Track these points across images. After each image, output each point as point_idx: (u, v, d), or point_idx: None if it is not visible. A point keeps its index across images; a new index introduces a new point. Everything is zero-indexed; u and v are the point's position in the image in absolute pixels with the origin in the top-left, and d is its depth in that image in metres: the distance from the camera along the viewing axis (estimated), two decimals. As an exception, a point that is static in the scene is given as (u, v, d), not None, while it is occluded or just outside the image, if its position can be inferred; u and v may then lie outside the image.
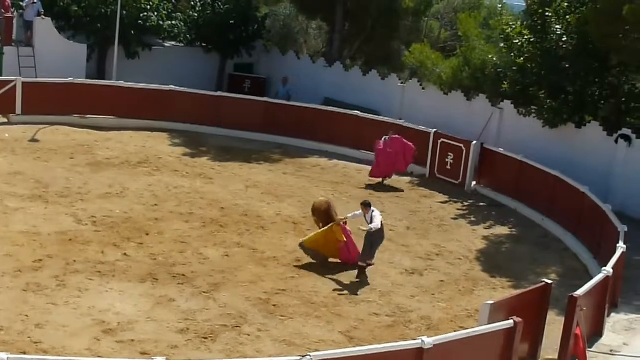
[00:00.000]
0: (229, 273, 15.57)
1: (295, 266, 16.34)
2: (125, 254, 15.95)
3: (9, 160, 21.41)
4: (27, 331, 12.41)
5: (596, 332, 14.12)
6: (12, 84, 25.25)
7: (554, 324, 13.62)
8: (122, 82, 27.05)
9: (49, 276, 14.47)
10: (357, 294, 15.29)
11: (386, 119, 26.09)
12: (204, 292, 14.60)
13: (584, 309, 12.69)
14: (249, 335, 13.17)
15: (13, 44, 27.49)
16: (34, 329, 12.51)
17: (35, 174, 20.43)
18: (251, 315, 13.86)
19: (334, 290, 15.40)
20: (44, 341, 12.16)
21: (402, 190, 22.90)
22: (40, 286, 14.01)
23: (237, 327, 13.40)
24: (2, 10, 27.52)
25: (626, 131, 21.79)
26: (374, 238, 16.08)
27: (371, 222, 15.94)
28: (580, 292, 12.70)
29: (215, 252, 16.61)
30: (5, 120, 25.28)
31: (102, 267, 15.16)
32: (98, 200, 19.05)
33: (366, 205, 16.27)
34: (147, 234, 17.20)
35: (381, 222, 16.13)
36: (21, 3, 28.52)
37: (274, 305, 14.38)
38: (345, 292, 15.39)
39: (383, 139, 23.42)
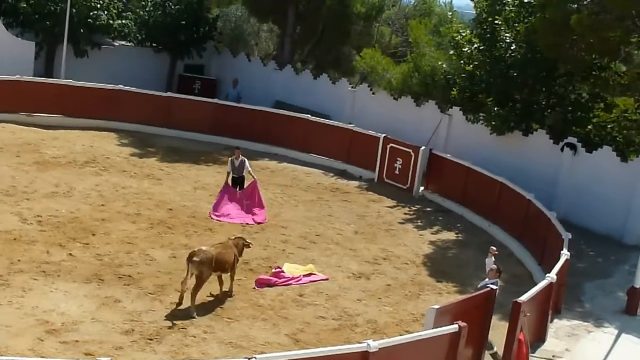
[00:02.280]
0: (175, 274, 15.47)
1: (242, 269, 16.29)
2: (70, 254, 15.79)
3: (-47, 158, 21.08)
4: (-31, 331, 12.24)
5: (539, 338, 14.33)
6: (-42, 80, 24.89)
7: (498, 328, 13.76)
8: (70, 80, 26.76)
9: (-8, 275, 14.28)
10: (303, 298, 15.30)
11: (336, 123, 26.17)
12: (150, 294, 14.52)
13: (528, 314, 12.87)
14: (194, 337, 13.11)
15: (-41, 40, 27.10)
16: (-24, 328, 12.34)
17: (-21, 172, 20.14)
18: (197, 317, 13.81)
19: (281, 293, 15.39)
20: (-14, 341, 12.01)
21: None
22: (-17, 285, 13.83)
23: (183, 328, 13.34)
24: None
25: (572, 140, 22.13)
26: None
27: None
28: (524, 297, 12.87)
29: (162, 254, 16.51)
30: (-50, 116, 24.89)
31: (47, 267, 14.98)
32: (44, 200, 18.82)
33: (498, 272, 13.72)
34: (94, 234, 17.04)
35: None
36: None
37: (221, 307, 14.35)
38: (292, 295, 15.39)
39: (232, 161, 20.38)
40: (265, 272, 16.20)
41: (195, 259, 14.03)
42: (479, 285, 13.85)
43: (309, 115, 26.58)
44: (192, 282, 14.09)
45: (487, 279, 13.60)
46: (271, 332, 13.71)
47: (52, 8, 28.02)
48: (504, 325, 13.23)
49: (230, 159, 20.53)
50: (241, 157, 20.26)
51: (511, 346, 12.62)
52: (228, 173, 20.33)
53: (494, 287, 13.40)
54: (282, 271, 16.20)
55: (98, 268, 15.32)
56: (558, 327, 15.17)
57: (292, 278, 16.06)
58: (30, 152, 22.67)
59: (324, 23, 31.07)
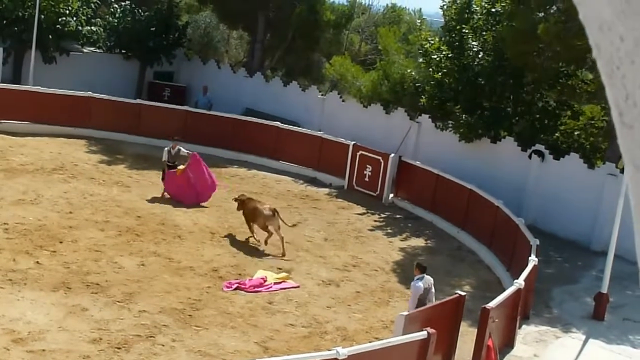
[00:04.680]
0: (144, 282, 15.41)
1: (211, 276, 16.26)
2: (37, 262, 15.65)
3: None
4: None
5: (508, 344, 14.42)
6: None
7: (467, 335, 13.84)
8: (38, 87, 26.57)
9: (-43, 284, 14.13)
10: (273, 305, 15.28)
11: (306, 130, 26.19)
12: (118, 302, 14.42)
13: (496, 320, 12.95)
14: (163, 345, 13.04)
15: None
16: (-60, 338, 12.20)
17: (-55, 179, 19.93)
18: (166, 326, 13.74)
19: (250, 300, 15.36)
20: (-49, 351, 11.87)
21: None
22: (-51, 294, 13.68)
23: (151, 337, 13.26)
24: None
25: (539, 147, 22.32)
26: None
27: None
28: (492, 304, 12.95)
29: (130, 261, 16.42)
30: None
31: (13, 275, 14.84)
32: (11, 207, 18.65)
33: (420, 268, 13.82)
34: (61, 242, 16.91)
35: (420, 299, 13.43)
36: None
37: (189, 316, 14.29)
38: (261, 302, 15.37)
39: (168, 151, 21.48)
40: (235, 279, 16.18)
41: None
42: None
43: (279, 123, 26.57)
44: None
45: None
46: (240, 340, 13.67)
47: (20, 14, 27.82)
48: (473, 332, 13.31)
49: (166, 149, 21.53)
50: (177, 147, 21.58)
51: (480, 352, 12.69)
52: (164, 162, 21.34)
53: (419, 283, 13.33)
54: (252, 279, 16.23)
55: (65, 276, 15.20)
56: (526, 333, 15.27)
57: (262, 285, 16.04)
58: (-3, 159, 22.50)
59: (294, 30, 31.12)
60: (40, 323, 13.14)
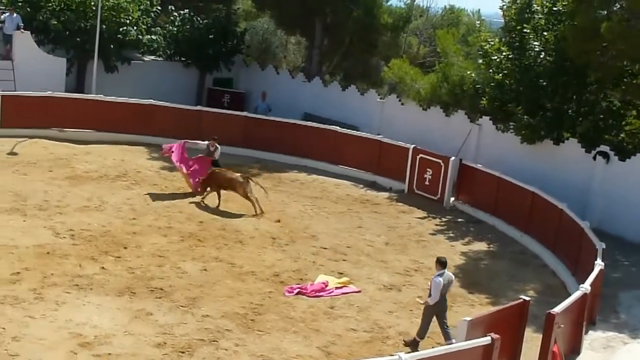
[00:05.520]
0: (207, 287, 15.53)
1: (273, 281, 16.32)
2: (102, 268, 15.87)
3: (-14, 173, 21.30)
4: (4, 344, 12.31)
5: (574, 350, 14.15)
6: (-9, 96, 25.18)
7: (532, 341, 13.65)
8: (101, 95, 26.99)
9: (26, 289, 14.38)
10: (335, 310, 15.26)
11: (365, 134, 26.15)
12: (182, 306, 14.55)
13: (562, 326, 12.74)
14: (226, 350, 13.11)
15: (-8, 57, 27.46)
16: (10, 341, 12.41)
17: (13, 187, 20.31)
18: (229, 330, 13.82)
19: (312, 305, 15.36)
20: (21, 354, 12.08)
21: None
22: (18, 299, 13.92)
23: (214, 341, 13.34)
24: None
25: (604, 148, 21.92)
26: (431, 309, 13.96)
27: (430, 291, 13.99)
28: (558, 309, 12.74)
29: (193, 267, 16.56)
30: (-16, 133, 25.18)
31: (79, 281, 15.07)
32: (76, 214, 18.96)
33: (440, 264, 13.99)
34: (125, 248, 17.13)
35: (442, 293, 13.80)
36: (0, 17, 28.46)
37: (252, 320, 14.34)
38: (323, 307, 15.36)
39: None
40: (297, 284, 16.22)
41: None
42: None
43: (338, 127, 26.57)
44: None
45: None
46: (303, 345, 13.68)
47: (83, 25, 28.29)
48: (538, 337, 13.11)
49: (207, 143, 22.41)
50: (215, 145, 22.38)
51: (545, 358, 12.50)
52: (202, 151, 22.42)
53: (439, 279, 13.55)
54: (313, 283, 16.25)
55: (130, 281, 15.39)
56: (593, 339, 14.98)
57: (323, 289, 16.04)
58: (62, 167, 22.88)
59: (351, 34, 31.10)
60: (106, 327, 13.32)
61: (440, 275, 13.74)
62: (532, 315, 13.58)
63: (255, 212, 20.53)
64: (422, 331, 14.02)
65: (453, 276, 14.25)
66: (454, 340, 13.24)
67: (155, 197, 21.11)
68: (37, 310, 13.63)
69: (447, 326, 13.85)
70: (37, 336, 12.70)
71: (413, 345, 14.00)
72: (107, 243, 17.27)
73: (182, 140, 22.15)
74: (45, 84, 26.72)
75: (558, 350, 12.57)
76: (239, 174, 21.11)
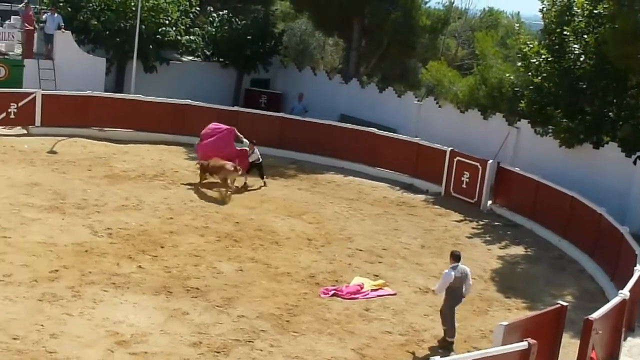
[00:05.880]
0: (242, 288, 15.58)
1: (308, 282, 16.33)
2: (140, 266, 15.98)
3: (28, 172, 21.53)
4: (42, 341, 12.45)
5: (612, 356, 13.99)
6: (32, 96, 25.49)
7: (569, 346, 13.53)
8: (139, 95, 27.20)
9: (64, 287, 14.53)
10: (370, 312, 15.24)
11: (402, 137, 26.09)
12: (218, 306, 14.61)
13: (600, 332, 12.60)
14: (261, 350, 13.15)
15: (34, 57, 27.73)
16: (48, 338, 12.55)
17: (53, 186, 20.53)
18: (264, 331, 13.85)
19: (347, 307, 15.35)
20: (59, 351, 12.21)
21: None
22: (56, 296, 14.07)
23: (249, 342, 13.38)
24: (25, 24, 27.78)
25: (645, 153, 21.68)
26: (447, 303, 14.17)
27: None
28: (596, 315, 12.60)
29: (229, 267, 16.62)
30: (25, 131, 25.49)
31: (117, 279, 15.20)
32: (114, 213, 19.12)
33: (454, 257, 14.32)
34: (162, 247, 17.24)
35: (451, 284, 14.00)
36: (41, 17, 28.81)
37: (287, 321, 14.36)
38: (358, 309, 15.34)
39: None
40: (332, 285, 16.22)
41: None
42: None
43: (375, 129, 26.53)
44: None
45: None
46: (337, 347, 13.67)
47: (122, 25, 28.53)
48: (575, 343, 12.99)
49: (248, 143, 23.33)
50: (254, 148, 23.31)
51: (583, 364, 12.38)
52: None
53: (452, 272, 13.83)
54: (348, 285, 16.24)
55: (166, 280, 15.48)
56: (632, 345, 14.81)
57: (359, 291, 16.02)
58: (101, 165, 23.09)
59: (389, 36, 31.01)
60: (143, 326, 13.41)
61: (454, 268, 13.98)
62: (569, 321, 13.45)
63: (224, 197, 21.47)
64: (450, 331, 14.08)
65: (468, 270, 14.31)
66: (454, 339, 14.01)
67: (192, 196, 21.22)
68: (75, 308, 13.76)
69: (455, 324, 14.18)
70: (75, 334, 12.82)
71: (446, 347, 14.03)
72: (144, 242, 17.39)
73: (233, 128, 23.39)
74: (85, 83, 26.98)
75: (596, 356, 12.45)
76: (230, 163, 21.93)
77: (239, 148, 23.23)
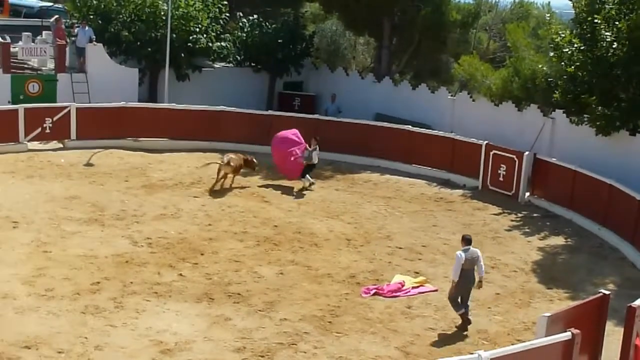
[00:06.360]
0: (283, 291, 15.64)
1: (349, 282, 16.35)
2: (180, 275, 16.11)
3: (65, 185, 21.78)
4: (87, 353, 12.60)
5: (657, 343, 13.87)
6: (67, 109, 25.76)
7: (613, 335, 13.41)
8: (173, 104, 27.39)
9: (106, 298, 14.69)
10: (412, 309, 15.22)
11: (437, 132, 26.02)
12: (260, 311, 14.68)
13: (644, 319, 12.48)
14: (305, 352, 13.20)
15: (66, 71, 28.05)
16: (93, 350, 12.70)
17: (91, 198, 20.76)
18: (307, 333, 13.89)
19: (389, 305, 15.35)
20: (104, 362, 12.35)
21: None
22: (99, 308, 14.23)
23: (293, 344, 13.44)
24: (56, 39, 28.11)
25: (681, 137, 21.41)
26: (459, 285, 14.43)
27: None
28: (639, 302, 12.50)
29: (269, 271, 16.69)
30: (61, 145, 25.76)
31: (158, 288, 15.33)
32: (153, 222, 19.29)
33: (465, 241, 14.60)
34: (202, 254, 17.35)
35: (466, 268, 14.33)
36: (73, 31, 29.10)
37: (330, 322, 14.40)
38: (400, 307, 15.33)
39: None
40: (373, 284, 16.23)
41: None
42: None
43: (410, 126, 26.49)
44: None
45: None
46: (381, 346, 13.68)
47: (153, 35, 28.73)
48: (619, 331, 12.86)
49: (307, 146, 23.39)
50: (316, 146, 23.48)
51: (628, 352, 12.26)
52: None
53: (463, 254, 14.15)
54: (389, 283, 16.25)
55: (208, 287, 15.59)
56: (677, 331, 14.65)
57: (400, 289, 16.02)
58: (138, 176, 23.29)
59: (420, 33, 30.90)
60: (186, 334, 13.52)
61: (465, 251, 14.26)
62: (612, 309, 13.31)
63: (212, 187, 22.37)
64: (456, 307, 14.50)
65: (479, 252, 14.59)
66: (464, 310, 14.44)
67: (230, 202, 21.34)
68: (118, 318, 13.91)
69: (468, 305, 14.59)
70: (119, 344, 12.96)
71: (463, 325, 14.51)
72: (184, 250, 17.52)
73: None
74: (119, 94, 27.22)
75: (640, 343, 12.32)
76: (228, 158, 22.67)
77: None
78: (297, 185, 23.22)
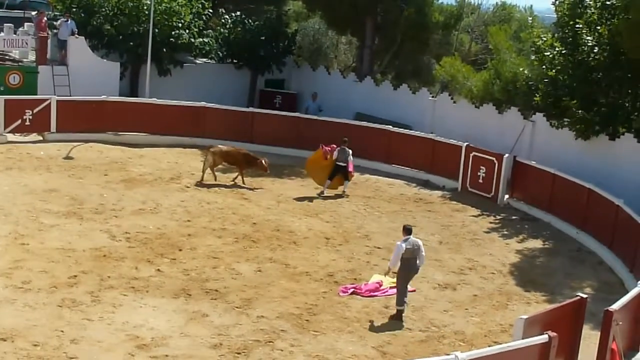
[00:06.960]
0: (261, 288, 15.61)
1: (327, 281, 16.34)
2: (158, 270, 16.04)
3: (44, 178, 21.64)
4: (63, 346, 12.51)
5: (632, 347, 13.94)
6: (47, 102, 25.59)
7: (590, 338, 13.48)
8: (154, 99, 27.29)
9: (83, 292, 14.60)
10: (390, 309, 15.23)
11: (418, 133, 26.06)
12: (237, 308, 14.64)
13: (620, 323, 12.56)
14: (282, 350, 13.17)
15: (48, 63, 27.86)
16: (69, 344, 12.61)
17: (70, 191, 20.63)
18: (284, 331, 13.87)
19: (366, 305, 15.35)
20: (79, 356, 12.26)
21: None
22: (75, 302, 14.13)
23: (270, 342, 13.41)
24: (38, 31, 27.92)
25: (661, 143, 21.55)
26: (402, 274, 14.89)
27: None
28: (616, 306, 12.56)
29: (247, 268, 16.66)
30: (40, 138, 25.60)
31: (136, 283, 15.25)
32: (132, 217, 19.19)
33: (405, 230, 15.03)
34: (180, 250, 17.29)
35: (403, 255, 14.69)
36: (55, 23, 28.92)
37: (307, 321, 14.38)
38: (378, 307, 15.34)
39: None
40: (351, 284, 16.23)
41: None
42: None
43: (390, 126, 26.51)
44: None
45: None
46: (358, 345, 13.68)
47: (135, 29, 28.60)
48: (596, 335, 12.93)
49: (338, 148, 23.15)
50: (345, 148, 23.17)
51: (604, 356, 12.33)
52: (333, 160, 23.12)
53: (403, 244, 14.54)
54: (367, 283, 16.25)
55: (185, 283, 15.53)
56: (652, 336, 14.75)
57: (378, 289, 16.02)
58: (117, 170, 23.17)
59: (402, 33, 30.97)
60: (163, 329, 13.46)
61: (405, 241, 14.66)
62: (589, 313, 13.41)
63: (201, 179, 22.75)
64: (400, 299, 14.78)
65: (420, 242, 14.98)
66: (404, 307, 14.81)
67: (209, 199, 21.28)
68: (95, 312, 13.82)
69: (406, 294, 14.92)
70: (95, 338, 12.87)
71: (397, 317, 14.73)
72: (162, 245, 17.45)
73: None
74: (100, 88, 27.06)
75: (617, 347, 12.39)
76: (215, 150, 23.12)
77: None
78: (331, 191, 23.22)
